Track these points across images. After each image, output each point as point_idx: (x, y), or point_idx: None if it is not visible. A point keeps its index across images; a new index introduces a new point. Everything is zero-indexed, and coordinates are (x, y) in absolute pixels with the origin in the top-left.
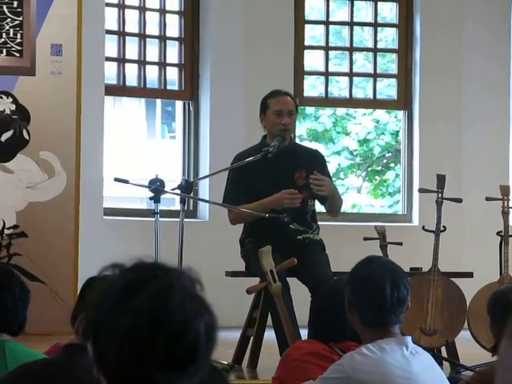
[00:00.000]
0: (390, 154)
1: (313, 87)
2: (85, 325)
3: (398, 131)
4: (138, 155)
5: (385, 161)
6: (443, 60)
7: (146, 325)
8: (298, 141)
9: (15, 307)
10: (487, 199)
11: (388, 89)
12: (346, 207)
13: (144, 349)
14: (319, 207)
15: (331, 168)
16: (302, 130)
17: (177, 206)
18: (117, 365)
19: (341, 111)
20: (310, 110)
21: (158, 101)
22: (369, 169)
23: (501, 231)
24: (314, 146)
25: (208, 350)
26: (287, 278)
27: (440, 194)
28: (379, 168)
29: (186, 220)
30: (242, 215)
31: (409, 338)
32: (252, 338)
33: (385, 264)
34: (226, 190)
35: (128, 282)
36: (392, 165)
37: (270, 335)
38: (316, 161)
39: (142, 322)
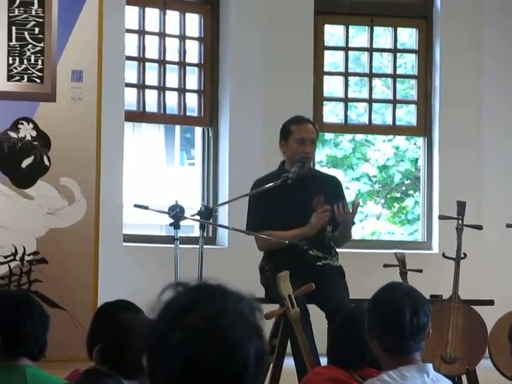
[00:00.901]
0: (409, 181)
1: (332, 113)
2: (101, 351)
3: (417, 158)
4: (157, 182)
5: (404, 188)
6: (463, 86)
7: (196, 343)
8: (317, 167)
9: (35, 332)
10: (507, 226)
11: (407, 115)
12: (365, 234)
13: (193, 367)
14: None
15: (350, 194)
16: (321, 156)
17: (196, 233)
18: (167, 381)
19: (360, 137)
20: (329, 136)
21: (177, 127)
22: (388, 196)
23: None
24: (333, 172)
25: (256, 374)
26: (307, 305)
27: (460, 221)
28: (398, 195)
29: (205, 247)
30: (269, 241)
31: (430, 366)
32: (271, 365)
33: (406, 290)
34: (250, 216)
35: (185, 301)
36: (411, 192)
37: (289, 363)
38: (334, 187)
39: (193, 340)
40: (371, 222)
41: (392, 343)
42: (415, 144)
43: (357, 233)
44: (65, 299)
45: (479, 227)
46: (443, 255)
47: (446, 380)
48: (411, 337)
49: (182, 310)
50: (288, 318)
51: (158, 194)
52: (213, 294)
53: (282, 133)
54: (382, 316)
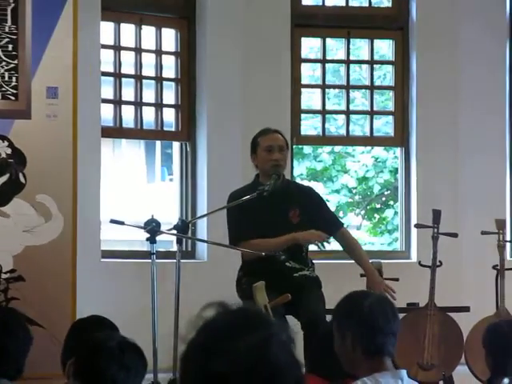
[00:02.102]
0: (389, 192)
1: (312, 127)
2: (75, 367)
3: (396, 168)
4: (138, 199)
5: (384, 198)
6: (440, 97)
7: (242, 372)
8: (298, 180)
9: (17, 352)
10: (483, 233)
11: (386, 126)
12: None
13: None
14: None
15: (331, 206)
16: (301, 169)
17: (175, 248)
18: None
19: (339, 149)
20: (308, 149)
21: (158, 144)
22: (368, 207)
23: (497, 265)
24: (313, 185)
25: None
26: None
27: (436, 229)
28: (378, 206)
29: (184, 261)
30: (252, 244)
31: (404, 372)
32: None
33: (378, 300)
34: (232, 228)
35: (230, 326)
36: (391, 202)
37: None
38: (309, 198)
39: (239, 369)
40: (351, 233)
41: (369, 344)
42: (394, 154)
43: (337, 244)
44: (42, 316)
45: (455, 235)
46: (419, 263)
47: None
48: (384, 342)
49: (227, 337)
50: None
51: (138, 210)
52: (257, 321)
53: (252, 146)
54: (359, 318)
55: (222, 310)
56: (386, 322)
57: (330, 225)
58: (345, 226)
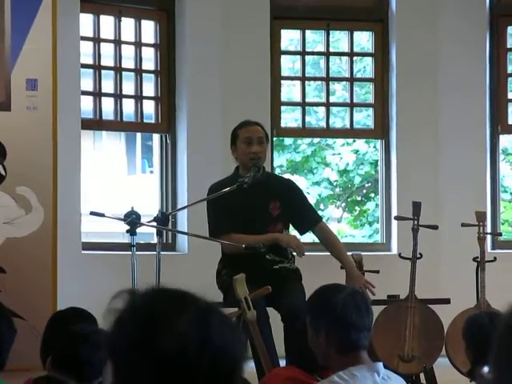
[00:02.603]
0: (370, 184)
1: (292, 120)
2: (54, 358)
3: (377, 161)
4: (118, 191)
5: (364, 191)
6: (419, 88)
7: (190, 345)
8: (277, 172)
9: (1, 345)
10: (463, 225)
11: (367, 119)
12: None
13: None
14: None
15: (310, 199)
16: (281, 161)
17: (155, 240)
18: None
19: (318, 140)
20: (288, 141)
21: (138, 136)
22: (348, 199)
23: (477, 257)
24: (293, 178)
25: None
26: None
27: (416, 222)
28: (359, 198)
29: (164, 253)
30: (231, 238)
31: (380, 364)
32: None
33: (351, 294)
34: (212, 220)
35: (167, 303)
36: (372, 195)
37: (250, 366)
38: (290, 190)
39: (186, 341)
40: (332, 226)
41: (343, 341)
42: (375, 147)
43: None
44: (24, 309)
45: (435, 227)
46: (399, 256)
47: (397, 377)
48: (359, 337)
49: (167, 315)
50: (245, 320)
51: (119, 202)
52: (190, 296)
53: (231, 138)
54: (332, 315)
55: (143, 293)
56: (359, 318)
57: (310, 218)
58: (324, 219)
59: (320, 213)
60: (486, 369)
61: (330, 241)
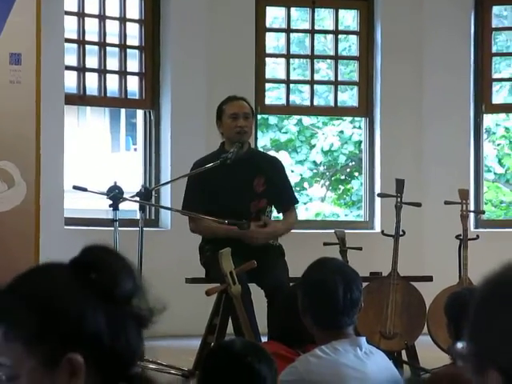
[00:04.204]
0: (354, 163)
1: (277, 98)
2: None
3: (361, 141)
4: (101, 168)
5: (348, 170)
6: (404, 66)
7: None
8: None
9: None
10: (446, 203)
11: (351, 99)
12: (309, 216)
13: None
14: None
15: (295, 178)
16: (265, 141)
17: (138, 217)
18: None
19: (305, 122)
20: (273, 120)
21: (123, 112)
22: (332, 178)
23: (460, 235)
24: (278, 155)
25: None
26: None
27: (399, 199)
28: (343, 177)
29: (147, 229)
30: (202, 228)
31: (363, 339)
32: (212, 344)
33: (337, 266)
34: (185, 197)
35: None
36: (356, 174)
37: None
38: (275, 168)
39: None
40: (315, 205)
41: (326, 319)
42: (360, 127)
43: (300, 215)
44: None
45: (418, 204)
46: (382, 233)
47: (380, 352)
48: (344, 312)
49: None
50: (229, 295)
51: (102, 179)
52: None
53: (217, 113)
54: (315, 293)
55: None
56: (345, 296)
57: (285, 200)
58: (299, 204)
59: (304, 192)
60: (459, 344)
61: (281, 221)
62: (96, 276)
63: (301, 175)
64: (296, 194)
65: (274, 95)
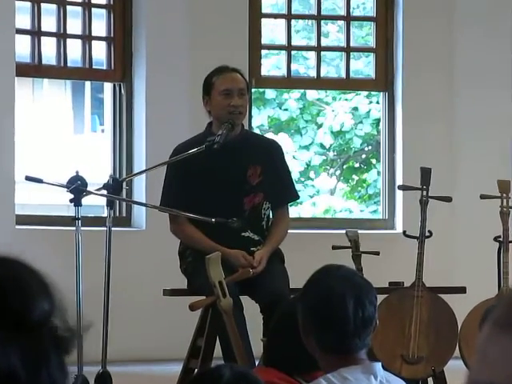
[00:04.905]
0: (370, 148)
1: (275, 67)
2: None
3: (379, 119)
4: (61, 154)
5: (364, 156)
6: (430, 31)
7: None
8: (256, 131)
9: None
10: (482, 197)
11: (367, 67)
12: (316, 212)
13: None
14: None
15: (298, 166)
16: (262, 119)
17: (106, 213)
18: None
19: (311, 96)
20: (271, 94)
21: (87, 86)
22: (344, 166)
23: (499, 236)
24: (278, 138)
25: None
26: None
27: (424, 192)
28: (357, 165)
29: (117, 229)
30: (184, 235)
31: (378, 365)
32: (196, 370)
33: (345, 275)
34: (163, 190)
35: None
36: (373, 161)
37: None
38: (273, 153)
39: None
40: (324, 199)
41: (332, 341)
42: (378, 103)
43: (306, 211)
44: None
45: (448, 199)
46: (404, 234)
47: (399, 381)
48: (355, 333)
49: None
50: (217, 309)
51: (62, 167)
52: None
53: (204, 87)
54: (319, 310)
55: None
56: (356, 313)
57: (283, 194)
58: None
59: (309, 182)
60: None
61: (274, 223)
62: (2, 299)
63: (308, 162)
64: (298, 185)
65: (273, 64)
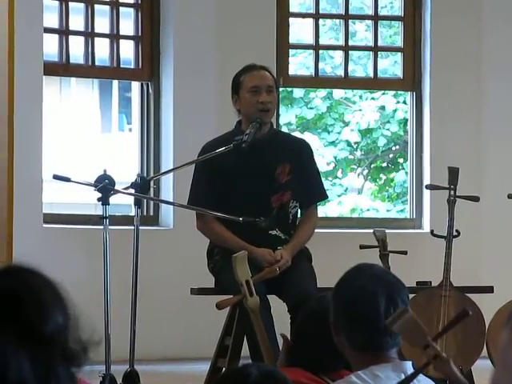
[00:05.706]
0: (398, 147)
1: (303, 66)
2: None
3: (406, 119)
4: (89, 153)
5: (391, 155)
6: (460, 29)
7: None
8: (284, 130)
9: None
10: (510, 197)
11: (394, 67)
12: (343, 211)
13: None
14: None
15: (325, 165)
16: (289, 118)
17: (133, 212)
18: None
19: (337, 94)
20: (299, 93)
21: (115, 84)
22: (372, 165)
23: None
24: (305, 136)
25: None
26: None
27: (452, 192)
28: (384, 164)
29: (144, 228)
30: (213, 233)
31: (408, 364)
32: (223, 369)
33: (378, 274)
34: (194, 189)
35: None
36: (400, 160)
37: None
38: (302, 153)
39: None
40: (351, 198)
41: (363, 339)
42: (404, 102)
43: (332, 210)
44: None
45: (476, 198)
46: (432, 233)
47: (428, 381)
48: (387, 331)
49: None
50: (245, 308)
51: (90, 166)
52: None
53: (233, 86)
54: (350, 306)
55: None
56: (388, 311)
57: (313, 193)
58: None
59: (337, 181)
60: None
61: (301, 222)
62: (18, 310)
63: (335, 160)
64: (326, 184)
65: (300, 63)
